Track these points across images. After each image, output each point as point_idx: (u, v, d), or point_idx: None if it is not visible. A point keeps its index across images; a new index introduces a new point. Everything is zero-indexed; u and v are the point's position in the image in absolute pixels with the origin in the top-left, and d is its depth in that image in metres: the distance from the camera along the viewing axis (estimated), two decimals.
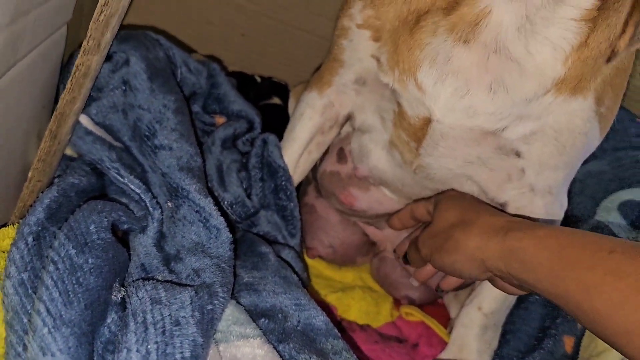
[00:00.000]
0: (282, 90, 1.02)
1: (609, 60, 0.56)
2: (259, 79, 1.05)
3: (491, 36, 0.58)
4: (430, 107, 0.62)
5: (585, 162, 0.98)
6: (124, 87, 0.70)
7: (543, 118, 0.61)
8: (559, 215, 0.71)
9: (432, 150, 0.66)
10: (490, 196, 0.69)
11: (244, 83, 1.00)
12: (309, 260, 0.89)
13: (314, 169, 0.88)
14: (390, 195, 0.78)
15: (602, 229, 0.84)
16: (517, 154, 0.64)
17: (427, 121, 0.63)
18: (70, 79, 0.51)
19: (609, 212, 0.86)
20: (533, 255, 0.52)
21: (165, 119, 0.68)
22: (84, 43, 0.50)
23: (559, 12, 0.57)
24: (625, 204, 0.87)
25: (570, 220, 0.89)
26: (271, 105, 0.98)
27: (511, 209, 0.69)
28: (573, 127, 0.62)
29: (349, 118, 0.77)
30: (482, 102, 0.60)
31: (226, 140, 0.79)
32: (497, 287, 0.63)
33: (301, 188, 0.93)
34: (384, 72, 0.65)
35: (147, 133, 0.67)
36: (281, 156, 0.77)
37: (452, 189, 0.71)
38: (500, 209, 0.69)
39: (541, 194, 0.68)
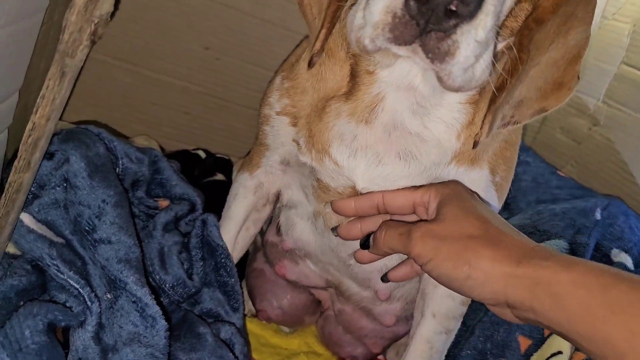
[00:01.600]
0: (226, 166, 1.08)
1: (474, 146, 0.63)
2: (203, 155, 1.11)
3: (388, 117, 0.66)
4: (352, 178, 0.69)
5: (511, 214, 1.06)
6: (65, 184, 0.74)
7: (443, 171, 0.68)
8: None
9: None
10: None
11: (188, 161, 1.06)
12: (256, 329, 0.93)
13: (262, 235, 0.93)
14: (313, 268, 0.83)
15: None
16: None
17: (354, 190, 0.70)
18: (3, 195, 0.56)
19: None
20: (568, 292, 0.46)
21: (105, 214, 0.72)
22: (15, 162, 0.55)
23: (447, 98, 0.65)
24: None
25: None
26: (215, 182, 1.03)
27: None
28: None
29: (279, 195, 0.83)
30: (397, 168, 0.67)
31: (167, 223, 0.84)
32: (497, 313, 0.58)
33: (250, 255, 0.98)
34: (303, 153, 0.72)
35: (87, 228, 0.71)
36: (220, 235, 0.82)
37: (455, 180, 0.67)
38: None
39: None
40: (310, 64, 0.66)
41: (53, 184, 0.74)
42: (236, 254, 0.85)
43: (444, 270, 0.55)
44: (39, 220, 0.72)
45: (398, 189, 0.67)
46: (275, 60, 0.89)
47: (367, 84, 0.66)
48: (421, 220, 0.62)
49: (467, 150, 0.67)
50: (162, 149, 1.10)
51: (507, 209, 1.08)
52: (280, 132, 0.74)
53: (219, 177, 1.05)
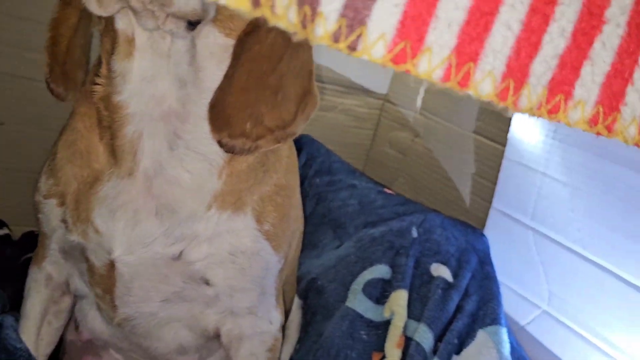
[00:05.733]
0: None
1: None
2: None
3: (149, 161, 0.61)
4: (109, 247, 0.63)
5: (340, 242, 1.08)
6: None
7: (215, 241, 0.64)
8: (272, 330, 0.75)
9: (127, 297, 0.67)
10: (201, 327, 0.72)
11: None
12: None
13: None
14: (118, 357, 0.80)
15: (350, 314, 0.92)
16: (207, 282, 0.67)
17: (112, 266, 0.65)
18: None
19: (355, 296, 0.93)
20: None
21: None
22: None
23: (205, 126, 0.59)
24: (369, 283, 0.95)
25: (326, 308, 0.97)
26: None
27: (223, 334, 0.72)
28: (245, 248, 0.66)
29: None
30: (152, 227, 0.63)
31: None
32: None
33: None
34: (71, 231, 0.66)
35: None
36: (18, 337, 0.77)
37: None
38: (214, 336, 0.72)
39: (242, 315, 0.71)
40: (54, 93, 0.65)
41: None
42: (42, 351, 0.80)
43: None
44: None
45: None
46: None
47: (121, 123, 0.61)
48: None
49: (229, 191, 0.64)
50: None
51: (337, 237, 1.10)
52: (50, 217, 0.69)
53: None
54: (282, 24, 0.29)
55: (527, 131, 0.99)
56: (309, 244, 1.10)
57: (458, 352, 0.88)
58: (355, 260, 0.98)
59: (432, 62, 0.36)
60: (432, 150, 1.17)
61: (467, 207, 1.13)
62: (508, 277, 1.04)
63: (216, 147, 0.60)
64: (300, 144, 1.22)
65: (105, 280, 0.67)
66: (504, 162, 1.04)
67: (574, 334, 0.94)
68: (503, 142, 1.04)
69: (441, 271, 0.97)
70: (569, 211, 0.93)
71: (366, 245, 1.00)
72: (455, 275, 0.97)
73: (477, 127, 1.09)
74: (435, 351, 0.88)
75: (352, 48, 0.34)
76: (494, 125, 1.06)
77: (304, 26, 0.30)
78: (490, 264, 1.02)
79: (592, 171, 0.88)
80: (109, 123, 0.62)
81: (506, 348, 0.88)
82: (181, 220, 0.63)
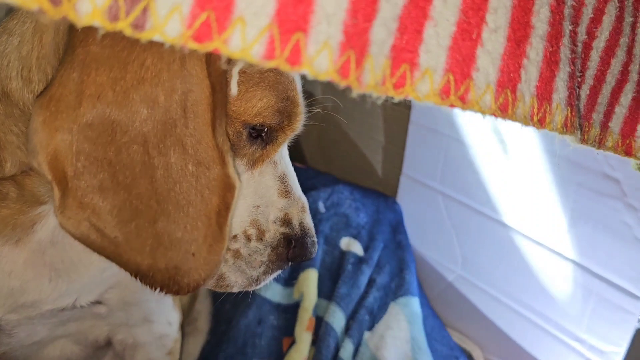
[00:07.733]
0: None
1: None
2: None
3: (48, 233, 0.56)
4: None
5: None
6: None
7: (119, 274, 0.59)
8: (171, 333, 0.71)
9: (7, 340, 0.62)
10: (90, 340, 0.67)
11: None
12: None
13: None
14: None
15: (257, 301, 0.88)
16: (99, 302, 0.62)
17: None
18: None
19: None
20: None
21: None
22: None
23: None
24: None
25: (235, 296, 0.93)
26: None
27: (116, 342, 0.68)
28: None
29: None
30: (45, 292, 0.57)
31: None
32: None
33: None
34: None
35: None
36: None
37: None
38: (104, 344, 0.68)
39: (138, 325, 0.67)
40: None
41: None
42: None
43: None
44: None
45: None
46: None
47: (24, 206, 0.54)
48: None
49: None
50: None
51: None
52: None
53: None
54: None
55: None
56: None
57: (370, 328, 0.86)
58: None
59: (248, 36, 0.29)
60: (342, 119, 1.13)
61: (380, 175, 1.10)
62: (422, 243, 1.03)
63: None
64: None
65: None
66: (410, 127, 1.01)
67: (488, 295, 0.94)
68: (408, 105, 1.01)
69: (352, 245, 0.94)
70: (476, 173, 0.92)
71: None
72: (366, 248, 0.94)
73: None
74: (348, 329, 0.86)
75: (138, 27, 0.27)
76: None
77: (56, 4, 0.24)
78: (403, 232, 1.00)
79: (495, 132, 0.86)
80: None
81: (418, 318, 0.87)
82: (82, 280, 0.58)
